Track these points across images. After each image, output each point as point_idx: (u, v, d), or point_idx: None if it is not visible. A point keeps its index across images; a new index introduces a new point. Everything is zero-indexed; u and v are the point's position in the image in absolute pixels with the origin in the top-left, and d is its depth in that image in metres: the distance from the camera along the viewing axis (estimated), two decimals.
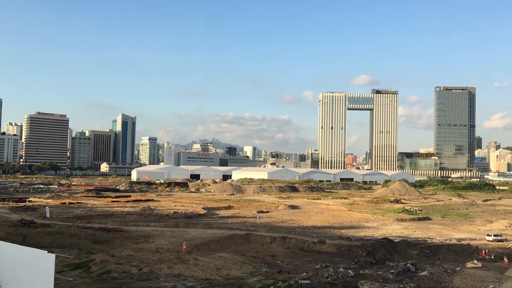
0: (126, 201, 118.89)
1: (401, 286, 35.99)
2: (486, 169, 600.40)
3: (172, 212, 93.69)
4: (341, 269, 43.56)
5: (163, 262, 42.15)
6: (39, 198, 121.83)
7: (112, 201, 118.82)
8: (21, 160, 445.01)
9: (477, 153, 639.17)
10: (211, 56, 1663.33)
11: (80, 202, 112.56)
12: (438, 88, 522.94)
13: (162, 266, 40.66)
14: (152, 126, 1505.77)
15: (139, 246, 49.66)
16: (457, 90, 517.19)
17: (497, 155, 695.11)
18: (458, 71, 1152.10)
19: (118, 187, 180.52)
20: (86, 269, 39.74)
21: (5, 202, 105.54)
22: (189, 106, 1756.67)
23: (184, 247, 49.66)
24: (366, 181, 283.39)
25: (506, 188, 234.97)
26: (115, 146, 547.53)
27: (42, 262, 18.90)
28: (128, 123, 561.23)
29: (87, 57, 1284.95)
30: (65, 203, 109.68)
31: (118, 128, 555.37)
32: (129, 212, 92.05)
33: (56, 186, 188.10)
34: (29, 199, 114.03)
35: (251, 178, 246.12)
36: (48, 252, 19.14)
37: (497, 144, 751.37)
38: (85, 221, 75.22)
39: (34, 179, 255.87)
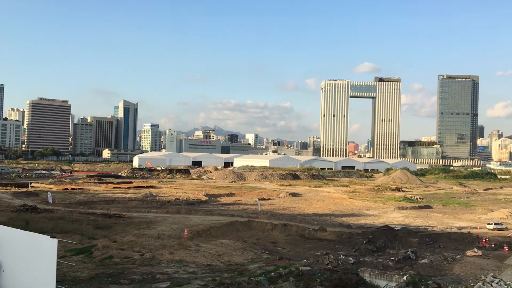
0: (128, 188, 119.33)
1: (401, 273, 36.17)
2: (488, 158, 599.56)
3: (174, 199, 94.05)
4: (341, 256, 43.80)
5: (165, 248, 42.41)
6: (41, 183, 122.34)
7: (114, 187, 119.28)
8: (23, 145, 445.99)
9: (479, 142, 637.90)
10: (213, 43, 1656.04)
11: (82, 188, 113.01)
12: (441, 77, 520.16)
13: (163, 252, 40.92)
14: (154, 112, 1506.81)
15: (141, 232, 49.93)
16: (460, 79, 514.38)
17: (499, 144, 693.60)
18: (462, 60, 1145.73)
19: (120, 174, 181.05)
20: (88, 254, 40.02)
21: (8, 188, 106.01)
22: (191, 93, 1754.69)
23: (186, 233, 49.91)
24: (368, 169, 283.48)
25: (507, 177, 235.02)
26: (117, 133, 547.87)
27: (44, 247, 19.01)
28: (130, 110, 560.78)
29: (89, 43, 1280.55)
30: (67, 188, 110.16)
31: (120, 114, 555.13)
32: (131, 198, 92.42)
33: (58, 172, 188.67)
34: (31, 185, 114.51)
35: (253, 166, 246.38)
36: (50, 237, 19.24)
37: (500, 133, 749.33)
38: (87, 207, 75.60)
39: (36, 164, 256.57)
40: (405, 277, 33.99)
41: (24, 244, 20.25)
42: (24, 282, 19.77)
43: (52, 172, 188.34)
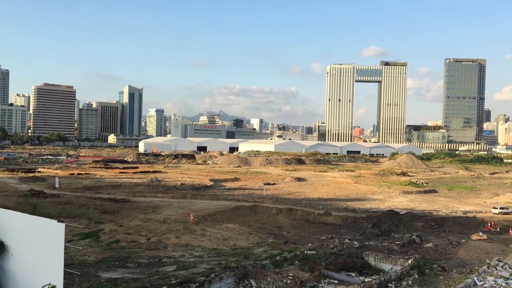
0: (133, 173, 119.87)
1: (406, 257, 36.32)
2: (494, 142, 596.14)
3: (180, 184, 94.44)
4: (346, 240, 43.97)
5: (171, 232, 42.73)
6: (47, 169, 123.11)
7: (120, 172, 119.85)
8: (29, 131, 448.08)
9: (486, 126, 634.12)
10: (218, 28, 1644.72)
11: (88, 173, 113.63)
12: (448, 60, 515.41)
13: (170, 236, 41.24)
14: (159, 98, 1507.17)
15: (147, 217, 50.28)
16: (467, 62, 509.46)
17: (505, 128, 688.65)
18: (469, 43, 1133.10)
19: (125, 159, 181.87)
20: (95, 239, 40.40)
21: (15, 173, 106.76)
22: (197, 78, 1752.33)
23: (192, 217, 50.23)
24: (373, 154, 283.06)
25: None
26: (122, 118, 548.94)
27: (52, 231, 19.21)
28: (135, 95, 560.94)
29: (94, 28, 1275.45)
30: (73, 174, 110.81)
31: (125, 100, 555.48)
32: (137, 183, 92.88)
33: (65, 157, 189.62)
34: (38, 170, 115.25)
35: (258, 151, 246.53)
36: (58, 222, 19.44)
37: (506, 117, 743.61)
38: (94, 192, 76.10)
39: (43, 150, 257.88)
40: (410, 261, 34.14)
41: (32, 228, 20.47)
42: (33, 266, 20.03)
43: (58, 157, 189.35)
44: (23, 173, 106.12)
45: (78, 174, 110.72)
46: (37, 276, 18.89)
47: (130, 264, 32.32)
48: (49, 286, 16.78)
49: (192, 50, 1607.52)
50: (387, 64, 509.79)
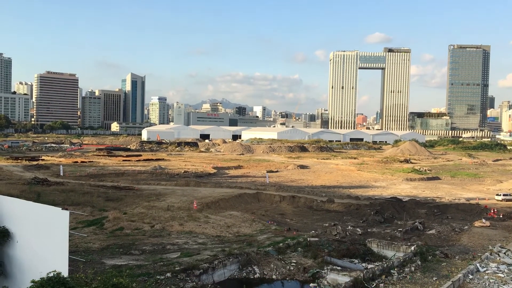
0: (137, 160, 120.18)
1: (409, 244, 36.43)
2: (498, 129, 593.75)
3: (183, 171, 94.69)
4: (349, 227, 44.12)
5: (175, 219, 42.95)
6: (51, 157, 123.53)
7: (123, 160, 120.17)
8: (32, 119, 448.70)
9: (489, 112, 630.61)
10: (222, 14, 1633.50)
11: (92, 161, 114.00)
12: (452, 46, 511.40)
13: (173, 224, 41.47)
14: (162, 85, 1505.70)
15: (151, 204, 50.53)
16: (472, 48, 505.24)
17: (509, 115, 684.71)
18: (474, 29, 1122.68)
19: (129, 147, 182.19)
20: (100, 226, 40.67)
21: (19, 161, 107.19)
22: (200, 65, 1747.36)
23: (195, 205, 50.43)
24: (376, 141, 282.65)
25: None
26: (125, 106, 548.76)
27: (56, 218, 19.31)
28: (138, 83, 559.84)
29: (96, 15, 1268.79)
30: (77, 161, 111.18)
31: (128, 87, 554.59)
32: (140, 171, 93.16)
33: (68, 145, 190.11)
34: (41, 158, 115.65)
35: (261, 138, 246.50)
36: (62, 209, 19.53)
37: (510, 103, 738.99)
38: (97, 180, 76.39)
39: (46, 138, 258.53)
40: (412, 248, 34.26)
41: (36, 216, 20.58)
42: (38, 253, 20.18)
43: (61, 145, 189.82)
44: (27, 161, 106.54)
45: (82, 162, 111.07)
46: (42, 263, 19.04)
47: (134, 251, 32.56)
48: (54, 273, 16.90)
49: (195, 38, 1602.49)
50: (390, 50, 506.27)
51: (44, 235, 19.86)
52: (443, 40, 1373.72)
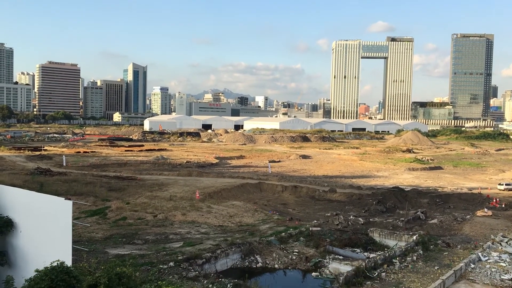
0: (139, 151, 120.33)
1: (411, 233, 36.52)
2: (501, 118, 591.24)
3: (185, 162, 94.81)
4: (351, 217, 44.22)
5: (177, 209, 43.10)
6: (54, 147, 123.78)
7: (125, 151, 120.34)
8: (35, 109, 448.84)
9: (493, 102, 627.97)
10: (224, 3, 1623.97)
11: (94, 151, 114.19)
12: (455, 35, 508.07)
13: (176, 213, 41.62)
14: (164, 75, 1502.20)
15: (154, 194, 50.67)
16: (475, 38, 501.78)
17: None
18: (477, 18, 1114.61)
19: (131, 137, 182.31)
20: (103, 216, 40.86)
21: (21, 151, 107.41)
22: (202, 55, 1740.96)
23: (197, 195, 50.56)
24: (379, 131, 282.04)
25: None
26: (127, 96, 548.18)
27: (60, 208, 19.38)
28: (139, 73, 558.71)
29: (98, 5, 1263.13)
30: (79, 152, 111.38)
31: (129, 77, 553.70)
32: (142, 161, 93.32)
33: (70, 135, 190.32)
34: (44, 148, 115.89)
35: (263, 128, 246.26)
36: (65, 199, 19.60)
37: None
38: (100, 170, 76.58)
39: (48, 128, 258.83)
40: (414, 237, 34.35)
41: (40, 206, 20.66)
42: (41, 243, 20.29)
43: (64, 135, 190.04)
44: (29, 151, 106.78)
45: (84, 152, 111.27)
46: (46, 252, 19.15)
47: (137, 240, 32.74)
48: (58, 262, 17.01)
49: (197, 27, 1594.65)
50: (393, 40, 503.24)
51: (47, 225, 19.96)
52: (446, 29, 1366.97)
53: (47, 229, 19.94)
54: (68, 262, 17.74)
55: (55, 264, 16.93)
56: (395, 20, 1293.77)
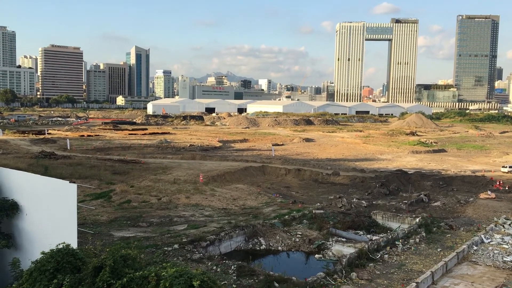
0: (143, 134, 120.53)
1: (414, 215, 36.66)
2: (505, 100, 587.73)
3: (189, 145, 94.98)
4: (354, 200, 44.37)
5: (181, 192, 43.34)
6: (57, 130, 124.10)
7: (129, 134, 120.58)
8: (38, 93, 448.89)
9: (497, 84, 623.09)
10: None
11: (98, 135, 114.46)
12: (460, 17, 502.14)
13: (180, 196, 41.87)
14: (167, 58, 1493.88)
15: (157, 177, 50.89)
16: (480, 19, 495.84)
17: None
18: None
19: (134, 120, 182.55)
20: (107, 199, 41.14)
21: (25, 135, 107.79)
22: (205, 38, 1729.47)
23: (201, 178, 50.75)
24: (382, 114, 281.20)
25: None
26: (130, 79, 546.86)
27: (64, 192, 19.53)
28: (142, 56, 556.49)
29: None
30: (83, 135, 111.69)
31: (132, 61, 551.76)
32: (146, 144, 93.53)
33: (74, 119, 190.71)
34: (48, 132, 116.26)
35: (266, 112, 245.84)
36: (70, 182, 19.74)
37: None
38: (104, 153, 76.84)
39: (52, 112, 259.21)
40: (417, 219, 34.50)
41: (45, 189, 20.81)
42: (47, 225, 20.49)
43: (68, 119, 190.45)
44: (33, 135, 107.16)
45: (88, 135, 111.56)
46: (51, 235, 19.36)
47: (142, 223, 33.01)
48: (64, 245, 17.20)
49: (200, 9, 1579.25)
50: (398, 21, 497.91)
51: (52, 208, 20.13)
52: (451, 10, 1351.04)
53: (52, 212, 20.12)
54: (74, 245, 17.95)
55: (60, 246, 17.13)
56: (400, 1, 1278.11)
